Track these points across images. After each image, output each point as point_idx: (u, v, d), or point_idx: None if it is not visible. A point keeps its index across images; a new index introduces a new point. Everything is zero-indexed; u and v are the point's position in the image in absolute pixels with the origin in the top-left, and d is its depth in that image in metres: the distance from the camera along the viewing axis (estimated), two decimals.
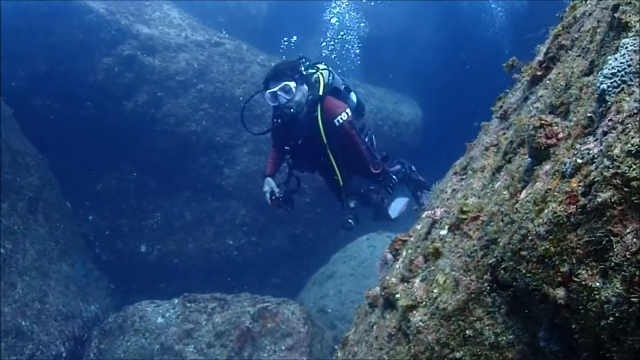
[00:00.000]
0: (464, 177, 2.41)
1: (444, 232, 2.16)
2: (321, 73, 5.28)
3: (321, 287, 7.42)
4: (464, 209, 1.95)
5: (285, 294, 7.25)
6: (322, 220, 8.88)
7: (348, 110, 5.15)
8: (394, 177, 5.45)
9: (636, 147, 0.95)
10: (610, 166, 0.98)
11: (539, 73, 1.89)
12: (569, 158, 1.16)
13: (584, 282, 1.04)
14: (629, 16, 1.22)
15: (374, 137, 5.64)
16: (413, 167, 6.25)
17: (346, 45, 12.30)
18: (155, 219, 8.30)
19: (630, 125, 1.00)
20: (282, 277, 8.65)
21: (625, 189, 0.96)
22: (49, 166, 7.43)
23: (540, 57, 1.92)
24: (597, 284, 1.01)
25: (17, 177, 6.45)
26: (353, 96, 5.69)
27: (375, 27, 12.68)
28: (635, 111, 1.01)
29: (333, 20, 12.34)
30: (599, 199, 0.99)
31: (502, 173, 1.77)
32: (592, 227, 1.02)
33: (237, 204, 8.47)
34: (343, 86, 5.60)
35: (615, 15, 1.27)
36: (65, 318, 6.47)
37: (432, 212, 2.42)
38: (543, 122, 1.36)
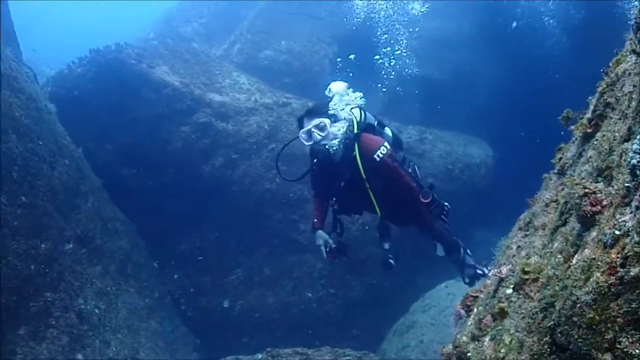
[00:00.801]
0: (527, 233, 2.43)
1: (509, 291, 2.19)
2: (353, 112, 5.17)
3: (402, 338, 7.32)
4: (526, 269, 1.98)
5: (366, 345, 7.23)
6: (398, 269, 8.79)
7: (386, 144, 5.02)
8: (446, 204, 5.13)
9: None
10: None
11: (589, 130, 1.92)
12: (609, 229, 1.21)
13: (625, 349, 1.07)
14: None
15: (417, 167, 5.45)
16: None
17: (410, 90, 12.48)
18: (236, 275, 8.58)
19: None
20: (362, 328, 8.60)
21: None
22: (137, 230, 7.93)
23: (589, 115, 1.95)
24: (637, 351, 1.05)
25: (109, 241, 6.92)
26: (388, 131, 5.55)
27: (438, 70, 12.78)
28: None
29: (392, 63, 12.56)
30: (632, 273, 1.03)
31: (558, 234, 1.80)
32: (629, 298, 1.06)
33: (314, 257, 8.59)
34: (376, 122, 5.46)
35: None
36: None
37: (499, 270, 2.45)
38: (588, 190, 1.40)
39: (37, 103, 5.84)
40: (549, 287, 1.61)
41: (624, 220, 1.15)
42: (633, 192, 1.17)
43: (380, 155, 4.90)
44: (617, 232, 1.15)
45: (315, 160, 4.95)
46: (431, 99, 12.46)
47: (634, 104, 1.42)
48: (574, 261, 1.45)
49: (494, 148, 11.00)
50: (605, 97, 1.82)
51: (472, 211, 9.09)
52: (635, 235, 1.04)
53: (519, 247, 2.42)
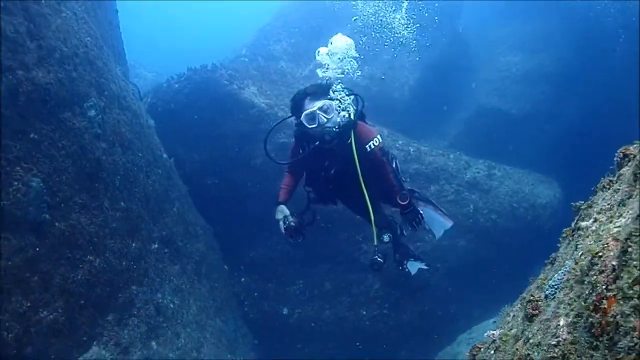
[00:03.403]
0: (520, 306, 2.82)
1: (492, 352, 2.60)
2: (350, 98, 5.05)
3: None
4: (503, 338, 2.41)
5: None
6: (452, 298, 9.14)
7: (380, 136, 4.97)
8: (421, 212, 5.08)
9: None
10: None
11: None
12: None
13: None
14: None
15: (396, 162, 5.36)
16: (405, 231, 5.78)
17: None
18: (298, 286, 9.18)
19: None
20: (410, 350, 8.97)
21: None
22: (213, 233, 8.72)
23: None
24: None
25: (188, 243, 7.69)
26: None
27: (515, 106, 12.86)
28: None
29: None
30: None
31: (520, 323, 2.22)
32: None
33: (373, 277, 9.06)
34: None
35: None
36: None
37: (492, 333, 2.86)
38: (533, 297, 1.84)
39: (140, 119, 6.70)
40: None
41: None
42: None
43: (372, 147, 4.84)
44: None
45: (317, 143, 4.80)
46: (506, 134, 12.59)
47: None
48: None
49: (565, 189, 10.98)
50: None
51: (535, 251, 9.21)
52: None
53: (513, 316, 2.78)
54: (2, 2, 4.24)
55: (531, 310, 1.83)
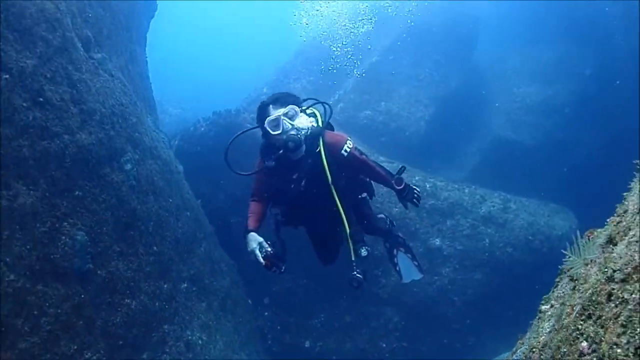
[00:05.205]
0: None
1: None
2: (316, 107, 4.94)
3: None
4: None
5: None
6: (470, 331, 9.36)
7: (349, 138, 4.80)
8: (417, 188, 5.01)
9: None
10: None
11: None
12: None
13: None
14: None
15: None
16: (394, 222, 5.94)
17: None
18: (319, 319, 9.50)
19: None
20: None
21: None
22: (237, 269, 9.11)
23: None
24: None
25: (214, 281, 8.09)
26: None
27: (529, 137, 13.13)
28: None
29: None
30: None
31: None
32: None
33: (391, 310, 9.35)
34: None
35: None
36: None
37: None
38: None
39: (170, 166, 7.19)
40: None
41: None
42: None
43: (348, 150, 4.67)
44: None
45: (280, 152, 4.56)
46: (522, 164, 12.85)
47: None
48: None
49: (582, 219, 11.15)
50: None
51: (551, 283, 9.40)
52: None
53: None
54: (48, 73, 4.76)
55: None
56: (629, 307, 1.31)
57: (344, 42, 13.45)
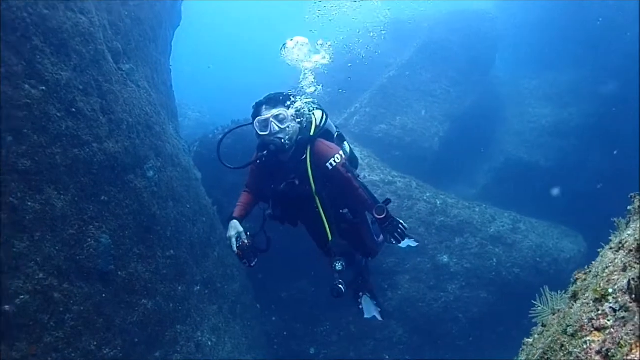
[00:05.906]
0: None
1: None
2: (314, 114, 4.85)
3: None
4: None
5: None
6: (473, 348, 9.53)
7: (341, 153, 4.71)
8: (402, 222, 4.65)
9: None
10: None
11: None
12: None
13: None
14: None
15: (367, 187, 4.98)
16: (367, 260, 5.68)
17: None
18: (325, 327, 9.72)
19: None
20: None
21: None
22: (247, 274, 9.37)
23: None
24: None
25: (226, 285, 8.36)
26: (346, 146, 5.25)
27: (543, 158, 13.27)
28: None
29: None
30: None
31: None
32: None
33: (396, 324, 9.55)
34: (336, 134, 5.21)
35: None
36: None
37: None
38: None
39: (189, 173, 7.48)
40: None
41: None
42: None
43: (334, 164, 4.60)
44: None
45: (265, 152, 4.63)
46: (534, 185, 13.00)
47: None
48: None
49: (591, 243, 11.27)
50: None
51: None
52: None
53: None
54: (81, 85, 5.06)
55: None
56: (571, 359, 1.59)
57: (363, 56, 13.69)
